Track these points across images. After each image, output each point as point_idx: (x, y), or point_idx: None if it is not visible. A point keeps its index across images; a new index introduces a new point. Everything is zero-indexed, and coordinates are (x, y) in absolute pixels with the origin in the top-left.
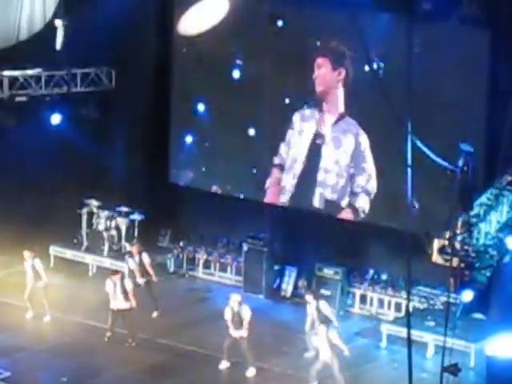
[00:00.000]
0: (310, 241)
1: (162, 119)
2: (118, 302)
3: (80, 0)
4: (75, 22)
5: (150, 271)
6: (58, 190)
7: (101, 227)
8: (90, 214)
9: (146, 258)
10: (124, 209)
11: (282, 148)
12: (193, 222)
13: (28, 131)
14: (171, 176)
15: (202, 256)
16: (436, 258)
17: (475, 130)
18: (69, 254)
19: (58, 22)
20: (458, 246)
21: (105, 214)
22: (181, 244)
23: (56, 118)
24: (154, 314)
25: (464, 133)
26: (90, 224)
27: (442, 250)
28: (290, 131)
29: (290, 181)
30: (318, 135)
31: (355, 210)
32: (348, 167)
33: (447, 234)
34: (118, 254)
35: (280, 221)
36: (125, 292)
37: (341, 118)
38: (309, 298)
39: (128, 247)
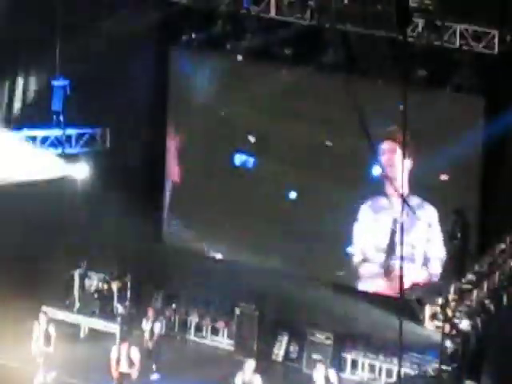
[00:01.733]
0: (303, 305)
1: (156, 180)
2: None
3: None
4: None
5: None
6: (49, 251)
7: (93, 289)
8: (82, 276)
9: (157, 327)
10: (116, 271)
11: None
12: (185, 285)
13: None
14: (164, 237)
15: (193, 319)
16: (428, 324)
17: (469, 198)
18: (61, 315)
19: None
20: (449, 312)
21: (97, 275)
22: (173, 306)
23: None
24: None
25: (457, 201)
26: (82, 285)
27: (434, 317)
28: None
29: None
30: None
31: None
32: None
33: (439, 301)
34: (111, 315)
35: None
36: (129, 359)
37: None
38: (320, 366)
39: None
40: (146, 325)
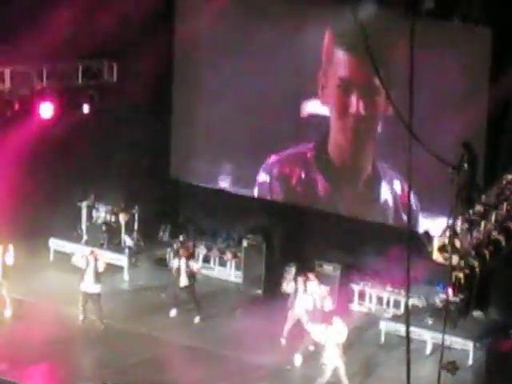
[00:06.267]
0: (310, 237)
1: (163, 115)
2: (87, 284)
3: None
4: None
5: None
6: (57, 183)
7: (100, 221)
8: (90, 208)
9: (194, 264)
10: (124, 203)
11: None
12: (193, 217)
13: (28, 123)
14: (172, 171)
15: (201, 250)
16: (436, 256)
17: (476, 129)
18: (68, 247)
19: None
20: (458, 244)
21: (104, 207)
22: (180, 238)
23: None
24: (196, 320)
25: (465, 131)
26: (89, 217)
27: (442, 249)
28: None
29: None
30: None
31: None
32: None
33: (447, 232)
34: (118, 247)
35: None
36: (96, 274)
37: None
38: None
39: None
40: (176, 263)
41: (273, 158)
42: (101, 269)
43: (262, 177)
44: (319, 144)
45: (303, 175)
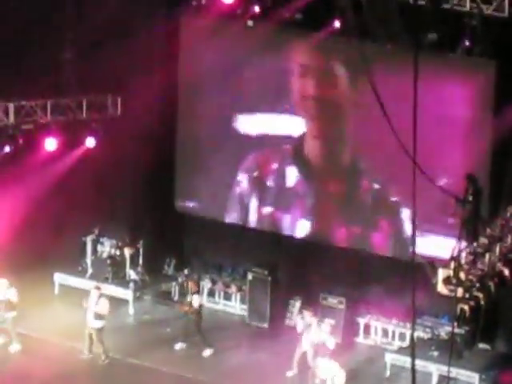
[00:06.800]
0: (315, 270)
1: (169, 147)
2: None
3: None
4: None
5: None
6: (62, 218)
7: (105, 255)
8: (95, 242)
9: (196, 299)
10: (129, 236)
11: None
12: (198, 250)
13: (32, 158)
14: (177, 204)
15: (206, 284)
16: (441, 288)
17: (481, 161)
18: (73, 281)
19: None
20: (463, 276)
21: (109, 241)
22: (185, 272)
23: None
24: (207, 353)
25: (469, 163)
26: (94, 251)
27: (446, 281)
28: None
29: None
30: None
31: None
32: None
33: (452, 265)
34: (123, 281)
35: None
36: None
37: None
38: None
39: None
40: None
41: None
42: (103, 311)
43: (267, 209)
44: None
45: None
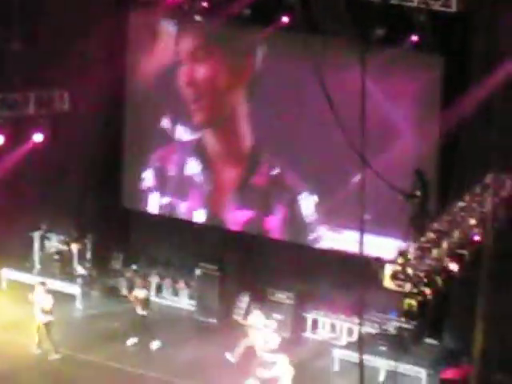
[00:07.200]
0: (263, 265)
1: (116, 143)
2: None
3: None
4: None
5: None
6: (8, 214)
7: (53, 250)
8: (42, 238)
9: (141, 293)
10: (76, 232)
11: None
12: (145, 246)
13: None
14: (124, 200)
15: (154, 279)
16: (388, 283)
17: (428, 156)
18: (21, 276)
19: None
20: (410, 271)
21: (57, 237)
22: (133, 267)
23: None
24: (155, 345)
25: (417, 159)
26: (42, 247)
27: (394, 276)
28: None
29: None
30: None
31: None
32: None
33: (399, 260)
34: (71, 276)
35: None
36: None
37: None
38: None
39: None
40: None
41: None
42: (48, 306)
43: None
44: None
45: None
